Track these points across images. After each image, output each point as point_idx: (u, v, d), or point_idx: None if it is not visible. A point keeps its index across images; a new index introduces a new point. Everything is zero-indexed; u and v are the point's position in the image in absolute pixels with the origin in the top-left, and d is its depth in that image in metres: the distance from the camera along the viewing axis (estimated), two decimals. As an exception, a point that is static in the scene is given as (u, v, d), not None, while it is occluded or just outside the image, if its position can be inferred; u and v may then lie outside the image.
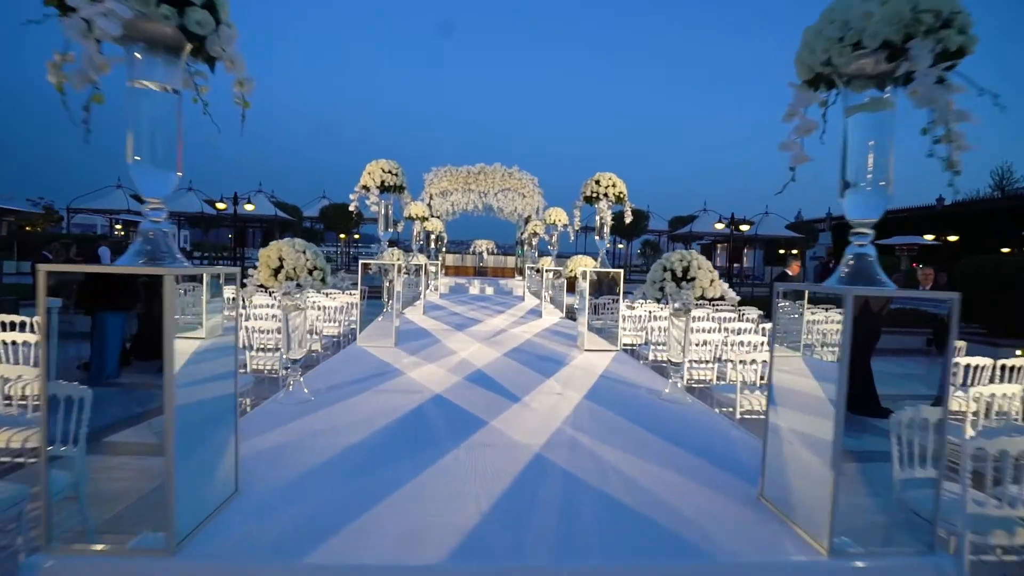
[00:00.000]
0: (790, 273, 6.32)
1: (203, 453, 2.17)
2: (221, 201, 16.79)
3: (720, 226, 20.09)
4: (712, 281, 4.10)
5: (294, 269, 3.69)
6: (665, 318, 8.00)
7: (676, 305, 4.28)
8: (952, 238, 17.49)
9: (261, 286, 3.82)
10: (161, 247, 2.02)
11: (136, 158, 1.96)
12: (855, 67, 2.10)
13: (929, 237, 17.19)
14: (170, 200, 2.14)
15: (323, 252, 4.02)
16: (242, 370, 5.32)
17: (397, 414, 3.71)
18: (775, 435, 2.50)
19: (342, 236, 32.56)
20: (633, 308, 7.87)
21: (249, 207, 18.57)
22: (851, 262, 2.22)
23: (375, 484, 2.58)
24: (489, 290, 16.81)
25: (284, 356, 4.04)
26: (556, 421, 3.68)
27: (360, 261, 6.78)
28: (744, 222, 19.47)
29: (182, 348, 1.99)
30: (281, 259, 3.71)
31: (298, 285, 3.72)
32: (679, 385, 4.46)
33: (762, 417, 4.58)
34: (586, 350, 6.54)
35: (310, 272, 3.73)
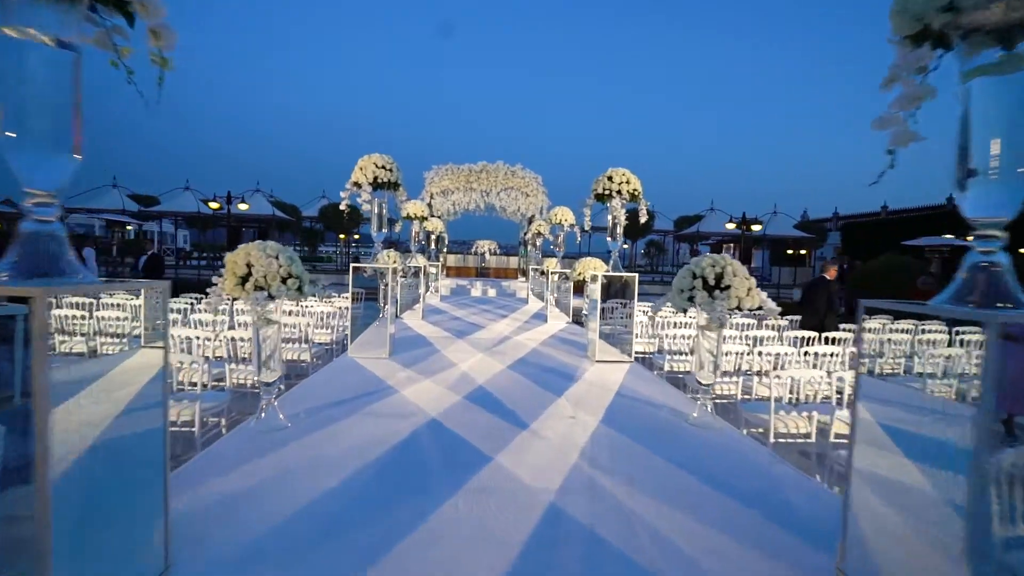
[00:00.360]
0: (828, 277, 5.75)
1: (112, 521, 1.63)
2: (215, 200, 16.28)
3: (731, 226, 19.48)
4: (749, 290, 3.55)
5: (264, 277, 3.16)
6: (682, 325, 7.48)
7: (705, 318, 3.74)
8: (970, 238, 16.91)
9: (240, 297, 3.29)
10: (47, 255, 1.49)
11: (9, 134, 1.43)
12: (984, 14, 1.56)
13: (948, 237, 16.59)
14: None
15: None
16: (221, 383, 4.79)
17: (385, 446, 3.17)
18: (862, 491, 1.95)
19: (342, 236, 32.05)
20: (654, 319, 7.33)
21: (243, 206, 18.05)
22: (973, 275, 1.68)
23: (348, 552, 2.05)
24: (491, 292, 16.27)
25: (256, 378, 3.50)
26: (571, 455, 3.14)
27: (351, 264, 6.24)
28: (755, 222, 18.87)
29: (79, 379, 1.46)
30: (250, 265, 3.17)
31: (269, 296, 3.19)
32: (708, 408, 3.91)
33: (799, 441, 4.09)
34: (597, 361, 6.00)
35: (284, 280, 3.20)
